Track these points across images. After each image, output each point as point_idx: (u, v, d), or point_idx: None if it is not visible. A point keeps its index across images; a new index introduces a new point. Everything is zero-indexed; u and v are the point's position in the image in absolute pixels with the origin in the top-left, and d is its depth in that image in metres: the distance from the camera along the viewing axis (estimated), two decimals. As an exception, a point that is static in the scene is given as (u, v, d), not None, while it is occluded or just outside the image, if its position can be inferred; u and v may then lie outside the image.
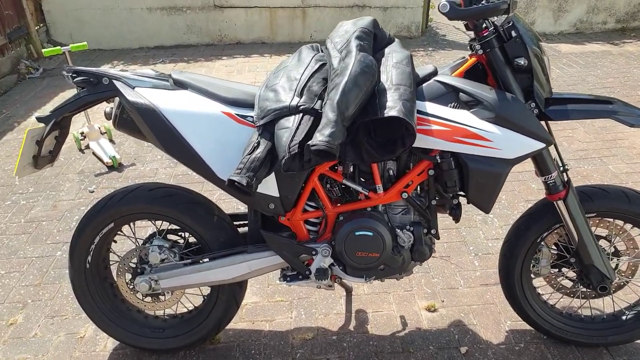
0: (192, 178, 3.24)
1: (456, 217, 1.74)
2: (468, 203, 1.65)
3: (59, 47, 3.36)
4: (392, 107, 1.43)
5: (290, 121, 1.48)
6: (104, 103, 1.76)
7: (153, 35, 6.26)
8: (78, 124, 4.06)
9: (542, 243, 1.82)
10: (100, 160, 3.49)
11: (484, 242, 2.54)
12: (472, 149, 1.53)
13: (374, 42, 1.67)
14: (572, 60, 5.14)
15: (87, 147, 3.69)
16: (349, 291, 2.26)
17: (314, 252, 1.74)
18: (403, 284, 2.29)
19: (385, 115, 1.42)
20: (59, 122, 1.74)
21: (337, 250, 1.71)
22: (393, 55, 1.61)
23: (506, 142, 1.52)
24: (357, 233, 1.67)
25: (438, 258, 2.44)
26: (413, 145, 1.54)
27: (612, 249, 1.83)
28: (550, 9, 6.02)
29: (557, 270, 1.88)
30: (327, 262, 1.74)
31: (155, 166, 3.45)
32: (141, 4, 6.10)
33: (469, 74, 1.62)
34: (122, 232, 1.90)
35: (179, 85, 1.68)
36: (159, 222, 1.89)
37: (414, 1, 6.01)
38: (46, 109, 4.41)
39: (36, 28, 6.06)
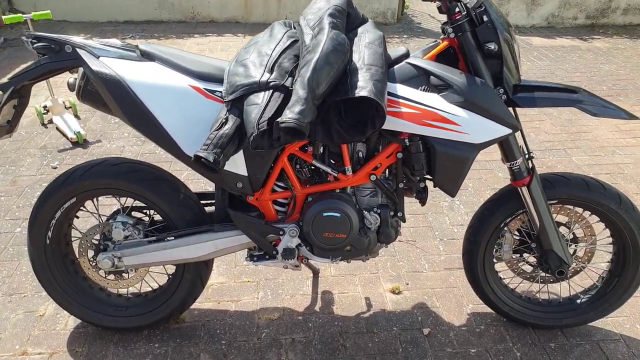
0: (159, 157, 3.18)
1: (422, 201, 1.75)
2: (435, 187, 1.67)
3: (20, 15, 3.21)
4: (363, 87, 1.42)
5: (260, 97, 1.46)
6: (67, 73, 1.70)
7: (123, 9, 6.06)
8: (41, 97, 3.93)
9: (505, 229, 1.86)
10: (64, 135, 3.38)
11: (450, 227, 2.59)
12: (440, 132, 1.54)
13: (347, 21, 1.66)
14: (542, 54, 5.24)
15: (50, 121, 3.57)
16: (315, 273, 2.26)
17: (281, 232, 1.73)
18: (369, 266, 2.31)
19: (356, 95, 1.41)
20: (18, 90, 1.66)
21: (304, 231, 1.71)
22: (366, 35, 1.60)
23: (474, 127, 1.53)
24: (325, 214, 1.67)
25: (404, 242, 2.47)
26: (383, 128, 1.55)
27: (571, 236, 1.88)
28: (524, 2, 6.10)
29: (519, 255, 1.93)
30: (295, 243, 1.74)
31: (121, 144, 3.37)
32: (111, -24, 5.89)
33: (441, 58, 1.62)
34: (84, 208, 1.85)
35: (146, 56, 1.63)
36: (123, 199, 1.84)
37: (390, -13, 5.99)
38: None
39: (-3, -4, 5.80)
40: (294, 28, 1.69)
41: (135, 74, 1.56)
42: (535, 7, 6.13)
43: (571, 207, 1.82)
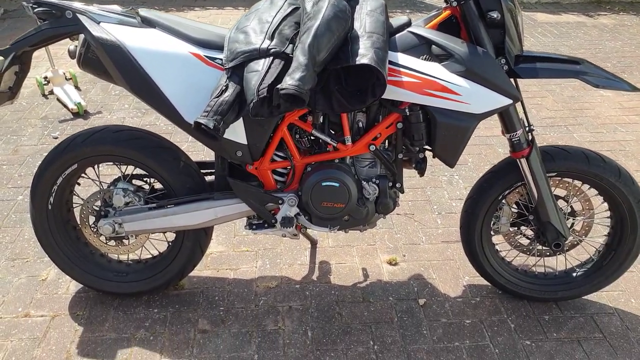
0: (159, 128, 3.18)
1: (421, 171, 1.76)
2: (434, 157, 1.68)
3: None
4: (364, 54, 1.42)
5: (260, 64, 1.46)
6: (68, 42, 1.69)
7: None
8: (41, 68, 3.91)
9: (504, 201, 1.87)
10: (65, 106, 3.37)
11: (448, 201, 2.60)
12: (441, 102, 1.54)
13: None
14: (546, 30, 5.18)
15: (51, 92, 3.56)
16: (313, 243, 2.29)
17: (280, 202, 1.74)
18: (366, 238, 2.33)
19: (357, 62, 1.41)
20: (19, 56, 1.66)
21: (303, 200, 1.72)
22: (367, 3, 1.59)
23: (474, 97, 1.53)
24: (323, 183, 1.68)
25: (402, 215, 2.49)
26: (383, 97, 1.55)
27: (569, 209, 1.90)
28: (530, -23, 6.00)
29: (516, 228, 1.95)
30: (293, 212, 1.76)
31: (122, 115, 3.36)
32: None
33: (443, 27, 1.61)
34: (86, 174, 1.86)
35: (147, 23, 1.62)
36: (124, 167, 1.85)
37: (395, -39, 5.89)
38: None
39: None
40: (295, -5, 1.67)
41: (136, 40, 1.55)
42: (542, -18, 6.03)
43: (570, 180, 1.83)
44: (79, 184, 1.90)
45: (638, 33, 5.14)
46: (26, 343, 1.80)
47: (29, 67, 1.75)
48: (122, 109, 3.44)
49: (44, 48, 1.88)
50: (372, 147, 1.68)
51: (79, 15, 1.56)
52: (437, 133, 1.59)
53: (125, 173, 1.85)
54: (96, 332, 1.85)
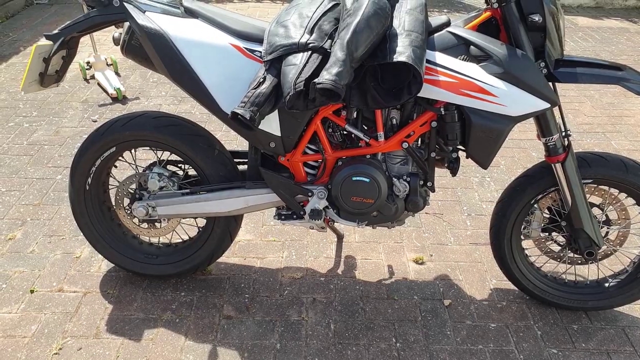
0: (194, 117, 3.24)
1: (454, 171, 1.75)
2: (467, 157, 1.66)
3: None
4: (402, 52, 1.42)
5: (298, 58, 1.47)
6: (113, 29, 1.74)
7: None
8: (84, 53, 4.03)
9: (536, 205, 1.85)
10: (105, 91, 3.47)
11: (478, 203, 2.58)
12: (477, 102, 1.53)
13: (390, -14, 1.64)
14: (587, 34, 5.04)
15: (93, 77, 3.67)
16: (340, 237, 2.30)
17: (310, 194, 1.76)
18: (394, 235, 2.33)
19: (394, 60, 1.41)
20: (67, 41, 1.73)
21: (332, 194, 1.73)
22: (408, 1, 1.58)
23: (511, 99, 1.51)
24: (354, 178, 1.69)
25: (431, 215, 2.48)
26: (418, 95, 1.55)
27: (604, 217, 1.85)
28: (574, -20, 5.85)
29: (547, 234, 1.92)
30: (322, 205, 1.77)
31: (159, 102, 3.44)
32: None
33: (482, 29, 1.59)
34: (123, 158, 1.92)
35: (190, 13, 1.66)
36: (160, 152, 1.90)
37: (435, -42, 5.82)
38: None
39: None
40: (336, -10, 1.68)
41: (179, 30, 1.59)
42: (586, -15, 5.87)
43: (606, 188, 1.78)
44: (115, 167, 1.97)
45: (686, 41, 4.95)
46: (59, 317, 1.87)
47: (76, 52, 1.82)
48: (160, 95, 3.52)
49: (88, 34, 1.94)
50: (405, 145, 1.68)
51: (126, 4, 1.61)
52: (472, 134, 1.58)
53: (161, 158, 1.90)
54: (125, 310, 1.91)
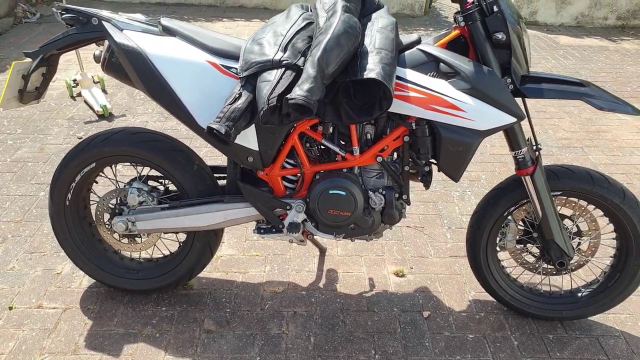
0: (180, 133, 3.27)
1: (426, 184, 1.79)
2: (439, 171, 1.71)
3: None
4: (372, 69, 1.46)
5: (272, 75, 1.52)
6: (94, 46, 1.79)
7: (154, -10, 6.17)
8: (72, 71, 4.07)
9: (510, 218, 1.89)
10: (91, 108, 3.50)
11: (459, 216, 2.62)
12: (446, 117, 1.58)
13: (363, 6, 1.70)
14: (568, 53, 5.16)
15: (79, 94, 3.70)
16: (322, 251, 2.33)
17: (288, 207, 1.79)
18: (375, 249, 2.36)
19: (365, 76, 1.46)
20: (47, 59, 1.76)
21: (310, 207, 1.76)
22: (379, 20, 1.64)
23: (479, 114, 1.56)
24: (330, 191, 1.72)
25: (412, 228, 2.52)
26: (391, 111, 1.60)
27: (575, 229, 1.90)
28: (554, 0, 6.00)
29: (522, 245, 1.96)
30: (301, 218, 1.80)
31: (145, 119, 3.47)
32: (144, -43, 6.00)
33: (452, 46, 1.65)
34: (103, 173, 1.94)
35: (168, 31, 1.70)
36: (140, 168, 1.93)
37: (419, -21, 5.97)
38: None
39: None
40: (311, 11, 1.74)
41: (156, 48, 1.63)
42: (565, 5, 6.02)
43: (576, 200, 1.83)
44: (96, 182, 1.99)
45: (662, 58, 5.08)
46: (37, 333, 1.87)
47: (56, 70, 1.85)
48: (146, 112, 3.55)
49: (74, 53, 1.98)
50: (379, 159, 1.72)
51: (104, 23, 1.65)
52: (442, 147, 1.62)
53: (142, 174, 1.93)
54: (105, 326, 1.91)
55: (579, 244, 1.92)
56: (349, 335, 1.92)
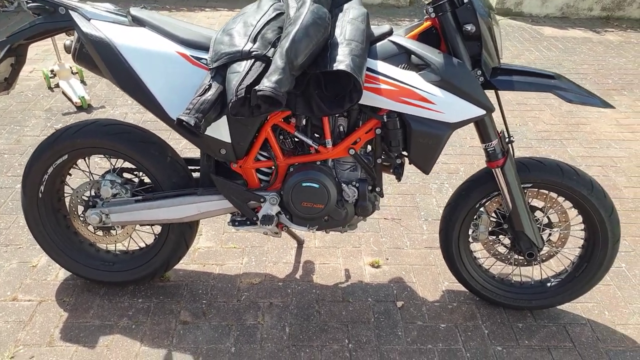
0: (160, 125, 3.25)
1: (398, 176, 1.81)
2: (410, 163, 1.72)
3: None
4: (342, 61, 1.47)
5: (242, 66, 1.51)
6: (65, 35, 1.77)
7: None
8: (49, 61, 4.02)
9: (482, 210, 1.91)
10: (70, 99, 3.47)
11: (436, 208, 2.64)
12: (416, 110, 1.59)
13: (335, -3, 1.70)
14: (552, 44, 5.19)
15: (57, 85, 3.65)
16: (300, 243, 2.34)
17: (262, 200, 1.80)
18: (352, 240, 2.38)
19: (334, 68, 1.46)
20: (15, 49, 1.74)
21: (284, 200, 1.77)
22: (350, 11, 1.64)
23: (448, 106, 1.58)
24: (304, 184, 1.73)
25: (389, 220, 2.54)
26: (363, 103, 1.61)
27: (546, 220, 1.93)
28: (539, -9, 6.02)
29: (495, 237, 1.98)
30: (275, 210, 1.81)
31: (124, 110, 3.45)
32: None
33: (424, 38, 1.66)
34: (77, 166, 1.93)
35: (137, 22, 1.69)
36: (114, 161, 1.92)
37: (404, -30, 5.95)
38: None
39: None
40: (282, 1, 1.73)
41: (125, 38, 1.62)
42: (551, -4, 6.05)
43: (547, 192, 1.86)
44: (70, 175, 1.97)
45: (643, 50, 5.14)
46: (12, 325, 1.87)
47: (25, 60, 1.83)
48: (125, 104, 3.53)
49: (52, 42, 1.95)
50: (352, 151, 1.73)
51: (71, 12, 1.63)
52: (412, 140, 1.64)
53: (116, 166, 1.92)
54: (80, 318, 1.92)
55: (550, 235, 1.95)
56: (324, 325, 1.94)
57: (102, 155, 1.85)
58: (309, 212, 1.77)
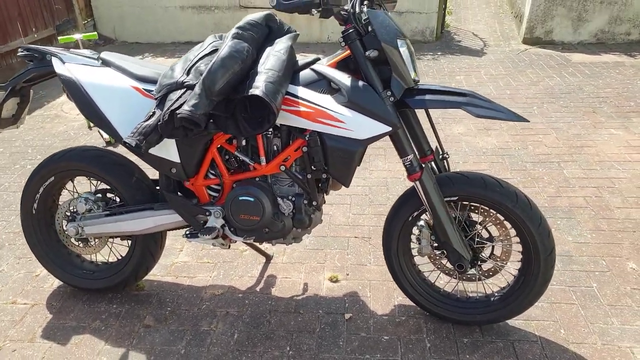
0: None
1: (325, 191, 1.95)
2: (331, 177, 1.86)
3: (71, 36, 3.82)
4: (257, 87, 1.67)
5: (176, 95, 1.76)
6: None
7: (184, 31, 6.76)
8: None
9: (422, 223, 1.99)
10: (102, 136, 3.93)
11: (409, 229, 2.70)
12: (330, 129, 1.75)
13: (270, 33, 1.92)
14: (578, 70, 5.09)
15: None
16: (268, 259, 2.50)
17: (207, 213, 2.01)
18: (318, 257, 2.51)
19: (249, 93, 1.66)
20: (19, 90, 2.12)
21: (225, 213, 1.97)
22: (277, 44, 1.85)
23: (356, 124, 1.72)
24: (240, 198, 1.92)
25: (359, 239, 2.64)
26: (287, 124, 1.80)
27: (487, 234, 1.97)
28: (569, 18, 5.94)
29: (440, 251, 2.04)
30: (219, 223, 2.01)
31: (145, 145, 3.84)
32: (175, 2, 6.62)
33: (346, 66, 1.83)
34: (66, 188, 2.26)
35: (105, 63, 2.01)
36: (97, 182, 2.21)
37: (428, 7, 6.13)
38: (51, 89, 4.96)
39: (84, 22, 6.74)
40: (222, 39, 1.98)
41: (89, 77, 1.94)
42: (582, 23, 5.94)
43: (478, 204, 1.91)
44: (61, 194, 2.30)
45: (680, 72, 4.89)
46: (5, 324, 2.17)
47: (29, 99, 2.21)
48: (149, 140, 3.93)
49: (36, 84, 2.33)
50: (282, 168, 1.90)
51: (52, 58, 1.98)
52: (329, 156, 1.79)
53: (98, 186, 2.22)
54: (61, 319, 2.19)
55: (493, 249, 1.98)
56: (270, 334, 2.07)
57: (85, 177, 2.16)
58: (247, 224, 1.95)
